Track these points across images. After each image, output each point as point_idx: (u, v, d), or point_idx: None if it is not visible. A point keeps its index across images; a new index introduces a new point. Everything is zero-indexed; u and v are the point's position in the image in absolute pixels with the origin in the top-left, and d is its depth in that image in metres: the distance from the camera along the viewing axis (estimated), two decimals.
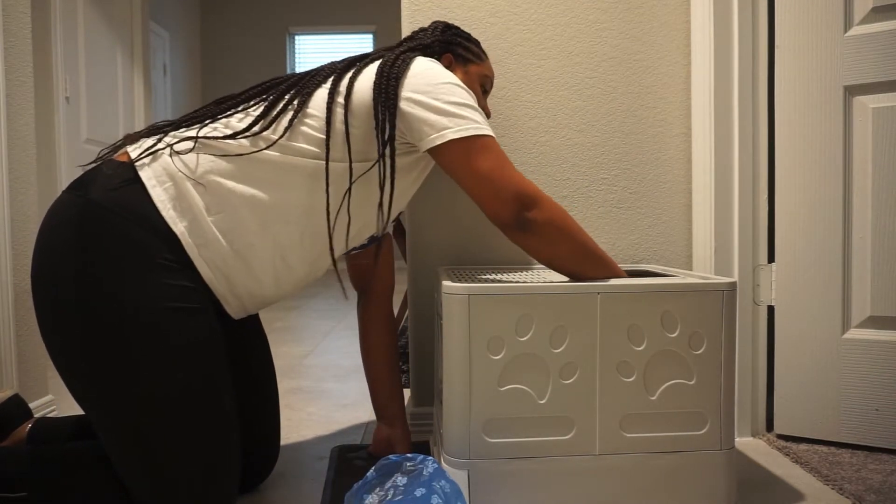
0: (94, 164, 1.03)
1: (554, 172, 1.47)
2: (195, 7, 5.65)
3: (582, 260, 1.04)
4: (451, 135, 0.99)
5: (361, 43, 5.85)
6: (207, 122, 1.04)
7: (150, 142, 1.02)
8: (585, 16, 1.46)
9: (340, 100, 1.03)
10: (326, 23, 5.82)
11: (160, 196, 0.96)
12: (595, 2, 1.46)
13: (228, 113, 1.05)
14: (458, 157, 1.00)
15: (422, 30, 1.26)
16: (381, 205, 1.05)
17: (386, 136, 1.01)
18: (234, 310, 1.05)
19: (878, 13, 1.29)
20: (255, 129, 1.01)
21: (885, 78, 1.29)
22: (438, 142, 0.99)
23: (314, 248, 1.06)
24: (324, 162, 1.01)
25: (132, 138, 1.05)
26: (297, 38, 5.93)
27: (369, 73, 1.05)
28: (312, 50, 5.94)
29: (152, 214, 0.95)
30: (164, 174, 0.97)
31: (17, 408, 1.19)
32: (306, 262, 1.07)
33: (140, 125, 3.53)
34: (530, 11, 1.45)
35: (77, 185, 0.99)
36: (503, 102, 1.45)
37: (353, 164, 1.02)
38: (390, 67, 1.03)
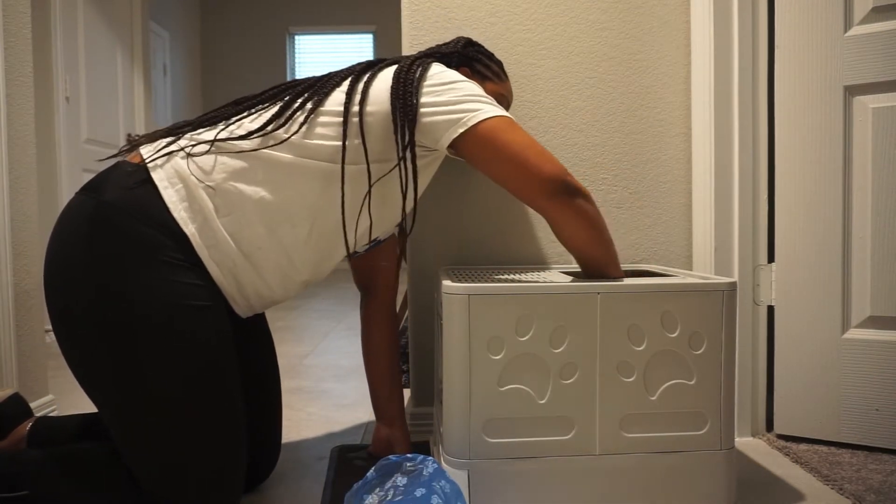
0: (113, 161, 1.04)
1: None
2: (195, 7, 5.65)
3: (606, 236, 1.05)
4: (474, 119, 0.99)
5: (361, 43, 5.85)
6: (223, 122, 1.05)
7: (164, 143, 1.03)
8: (585, 16, 1.46)
9: (356, 103, 1.03)
10: (326, 23, 5.82)
11: (171, 197, 0.97)
12: (595, 2, 1.46)
13: (244, 114, 1.06)
14: (484, 140, 0.99)
15: (445, 44, 1.27)
16: (403, 209, 1.07)
17: (406, 142, 1.01)
18: (242, 309, 1.06)
19: (878, 13, 1.29)
20: (269, 128, 1.01)
21: (885, 78, 1.29)
22: (462, 129, 0.99)
23: (319, 250, 1.06)
24: (335, 164, 1.01)
25: (150, 137, 1.06)
26: (297, 38, 5.93)
27: (386, 77, 1.05)
28: (312, 50, 5.94)
29: (163, 214, 0.96)
30: (175, 176, 0.98)
31: (16, 407, 1.19)
32: (311, 262, 1.07)
33: (140, 125, 3.53)
34: (530, 11, 1.45)
35: (90, 187, 1.00)
36: None
37: (371, 166, 1.03)
38: (406, 73, 1.03)
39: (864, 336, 1.33)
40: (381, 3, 5.63)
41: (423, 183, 1.15)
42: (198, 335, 0.94)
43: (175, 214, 0.96)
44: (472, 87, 1.04)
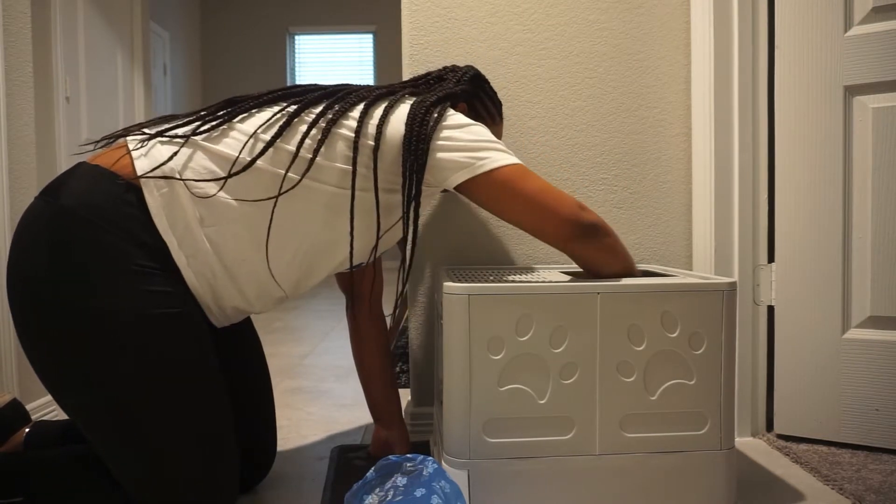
0: (96, 148, 1.01)
1: (554, 172, 1.47)
2: (195, 7, 5.65)
3: (625, 261, 1.06)
4: (485, 167, 0.99)
5: (361, 43, 5.85)
6: (218, 125, 1.01)
7: (164, 151, 0.97)
8: (585, 16, 1.46)
9: (370, 141, 1.01)
10: (326, 23, 5.82)
11: (155, 201, 0.94)
12: (595, 2, 1.46)
13: (241, 117, 1.02)
14: (498, 188, 1.00)
15: (453, 70, 1.23)
16: (402, 254, 1.06)
17: (412, 195, 1.00)
18: (218, 319, 1.04)
19: (878, 13, 1.29)
20: (279, 144, 0.98)
21: (885, 78, 1.29)
22: (469, 175, 0.99)
23: (301, 269, 1.05)
24: (341, 189, 1.00)
25: (129, 131, 1.01)
26: (297, 38, 5.92)
27: (400, 116, 1.03)
28: (312, 50, 5.94)
29: (132, 221, 0.92)
30: (161, 179, 0.95)
31: (15, 412, 1.19)
32: (292, 280, 1.05)
33: None
34: (530, 11, 1.45)
35: (49, 190, 0.96)
36: (503, 102, 1.45)
37: (379, 194, 1.02)
38: (420, 126, 1.01)
39: (864, 336, 1.33)
40: (381, 3, 5.63)
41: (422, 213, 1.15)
42: (173, 344, 0.92)
43: (156, 220, 0.93)
44: (484, 132, 1.03)
